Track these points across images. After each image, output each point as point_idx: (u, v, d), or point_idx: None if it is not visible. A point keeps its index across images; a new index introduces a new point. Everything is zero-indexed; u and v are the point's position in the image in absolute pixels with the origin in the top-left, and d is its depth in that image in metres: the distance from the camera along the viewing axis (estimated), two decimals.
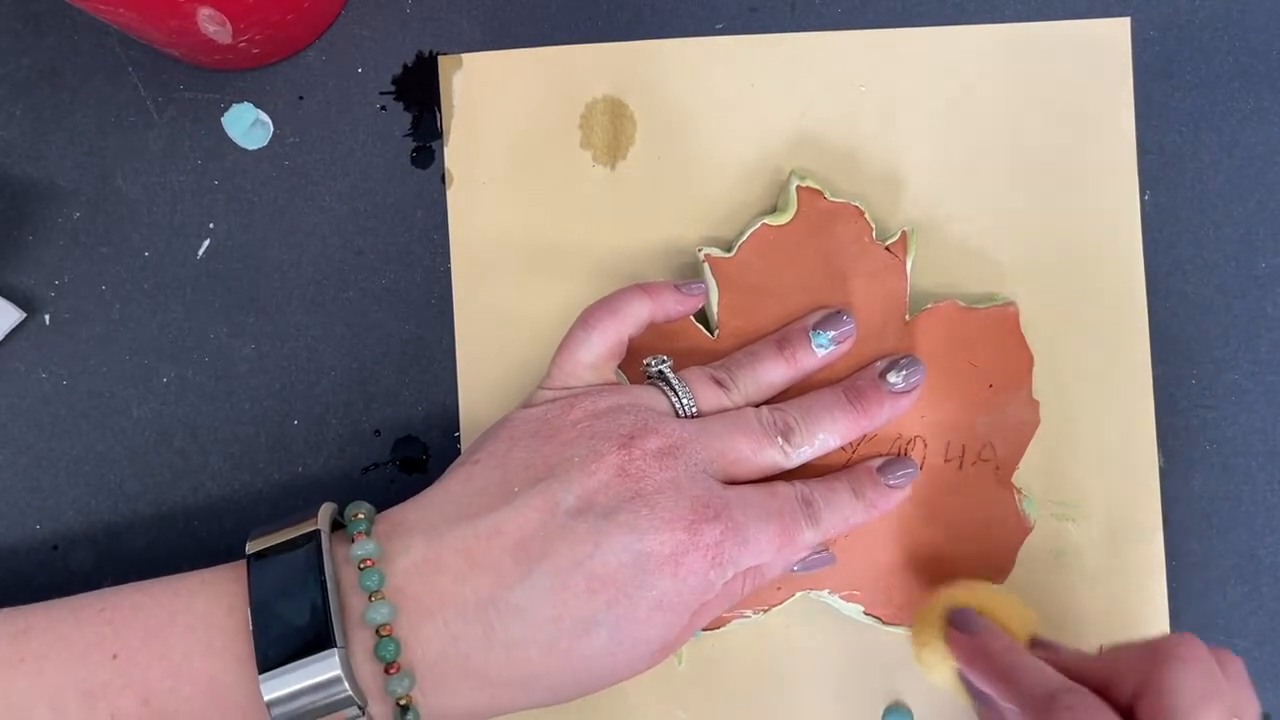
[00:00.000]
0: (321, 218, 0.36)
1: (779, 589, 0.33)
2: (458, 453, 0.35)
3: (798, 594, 0.33)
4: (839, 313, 0.32)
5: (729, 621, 0.33)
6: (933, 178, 0.36)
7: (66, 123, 0.36)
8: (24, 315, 0.35)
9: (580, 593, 0.26)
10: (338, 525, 0.29)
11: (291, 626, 0.25)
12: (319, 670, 0.24)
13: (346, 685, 0.24)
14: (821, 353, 0.32)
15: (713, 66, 0.36)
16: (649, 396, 0.30)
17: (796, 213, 0.34)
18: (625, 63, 0.36)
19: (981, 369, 0.34)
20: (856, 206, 0.34)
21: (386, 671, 0.25)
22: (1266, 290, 0.36)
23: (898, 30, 0.36)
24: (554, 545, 0.26)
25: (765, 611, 0.33)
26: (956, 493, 0.34)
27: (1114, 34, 0.36)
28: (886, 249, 0.34)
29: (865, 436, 0.33)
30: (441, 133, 0.36)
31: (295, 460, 0.35)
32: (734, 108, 0.36)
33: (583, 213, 0.36)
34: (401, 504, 0.29)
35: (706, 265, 0.34)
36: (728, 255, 0.34)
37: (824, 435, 0.31)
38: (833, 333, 0.32)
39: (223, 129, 0.36)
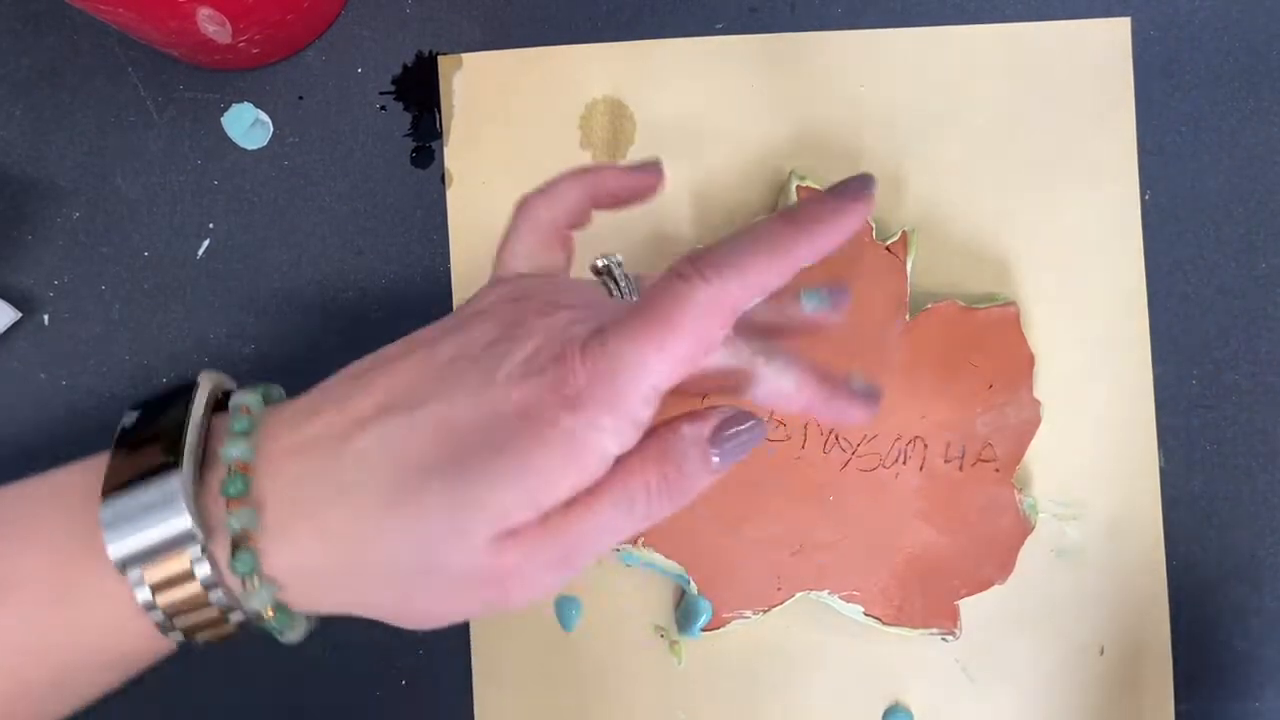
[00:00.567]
0: (321, 218, 0.36)
1: (779, 589, 0.33)
2: None
3: (798, 594, 0.33)
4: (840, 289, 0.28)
5: (729, 621, 0.33)
6: (933, 178, 0.36)
7: (66, 123, 0.36)
8: (19, 315, 0.35)
9: (425, 441, 0.23)
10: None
11: (143, 461, 0.23)
12: (158, 492, 0.22)
13: (186, 510, 0.22)
14: (809, 307, 0.27)
15: (713, 66, 0.36)
16: (589, 288, 0.27)
17: None
18: (625, 63, 0.36)
19: (981, 369, 0.34)
20: None
21: (228, 507, 0.23)
22: (1266, 290, 0.36)
23: (898, 30, 0.36)
24: (415, 393, 0.24)
25: (765, 611, 0.33)
26: (956, 493, 0.34)
27: (1114, 34, 0.36)
28: (886, 249, 0.34)
29: (864, 437, 0.33)
30: (441, 133, 0.36)
31: None
32: (734, 108, 0.36)
33: None
34: None
35: None
36: None
37: (752, 271, 0.23)
38: (824, 291, 0.27)
39: (223, 129, 0.36)
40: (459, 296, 0.35)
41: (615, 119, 0.36)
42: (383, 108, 0.36)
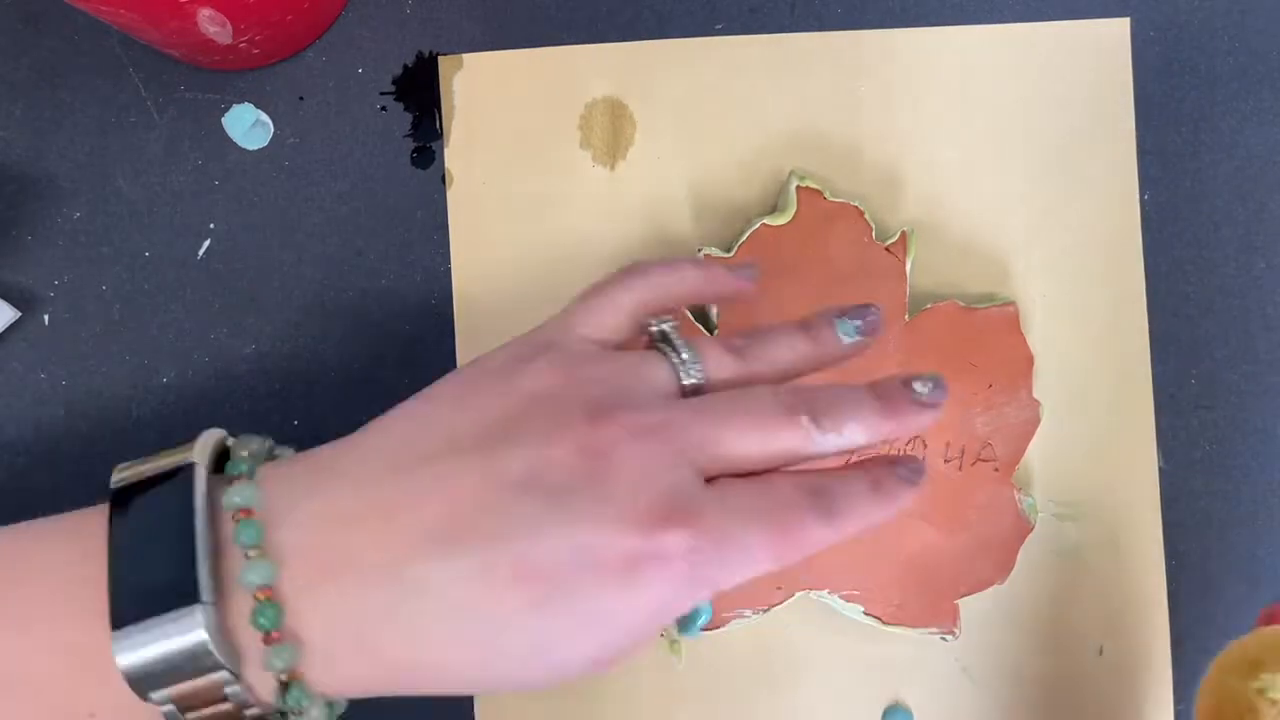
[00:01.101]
0: (321, 218, 0.36)
1: (779, 589, 0.33)
2: None
3: (797, 594, 0.33)
4: (866, 304, 0.28)
5: (729, 621, 0.33)
6: (933, 178, 0.36)
7: (66, 123, 0.36)
8: (19, 314, 0.35)
9: (503, 583, 0.21)
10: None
11: (155, 579, 0.21)
12: (179, 629, 0.20)
13: (212, 648, 0.20)
14: (847, 341, 0.27)
15: (713, 66, 0.36)
16: (647, 364, 0.25)
17: (796, 213, 0.34)
18: (625, 63, 0.36)
19: (981, 369, 0.34)
20: (856, 206, 0.34)
21: (266, 642, 0.21)
22: (1266, 290, 0.36)
23: (898, 30, 0.36)
24: (485, 520, 0.22)
25: (765, 611, 0.33)
26: (956, 493, 0.34)
27: (1114, 34, 0.36)
28: (886, 249, 0.34)
29: None
30: (441, 133, 0.36)
31: None
32: (734, 108, 0.36)
33: (583, 213, 0.36)
34: (332, 442, 0.25)
35: None
36: (727, 255, 0.34)
37: (853, 425, 0.24)
38: (859, 322, 0.27)
39: (223, 129, 0.36)
40: (459, 296, 0.35)
41: (615, 119, 0.36)
42: (383, 108, 0.36)
